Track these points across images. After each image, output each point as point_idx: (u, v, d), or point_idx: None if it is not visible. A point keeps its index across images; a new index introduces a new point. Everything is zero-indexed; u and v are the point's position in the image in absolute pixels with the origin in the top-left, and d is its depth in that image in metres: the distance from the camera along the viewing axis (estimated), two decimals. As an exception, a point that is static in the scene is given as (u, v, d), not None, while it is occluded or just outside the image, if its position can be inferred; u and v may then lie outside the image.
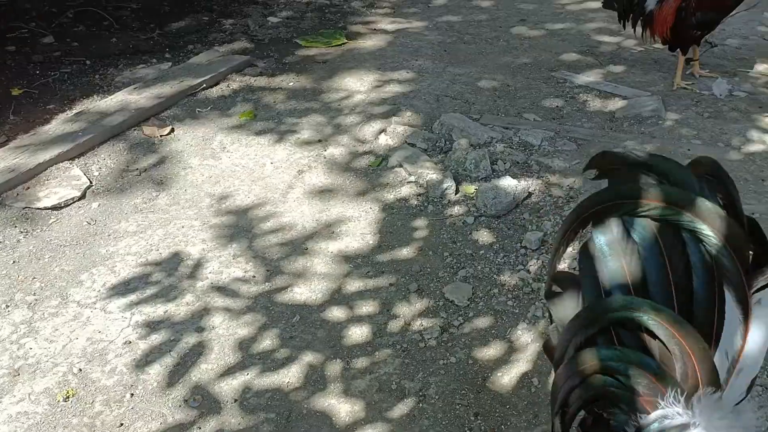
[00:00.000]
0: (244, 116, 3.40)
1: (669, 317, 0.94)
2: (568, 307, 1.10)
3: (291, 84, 3.77)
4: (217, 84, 3.71)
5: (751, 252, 0.98)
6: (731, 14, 3.41)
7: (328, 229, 2.60)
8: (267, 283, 2.33)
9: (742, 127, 3.15)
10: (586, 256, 1.07)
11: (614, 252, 1.03)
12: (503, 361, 2.01)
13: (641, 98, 3.45)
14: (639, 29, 3.58)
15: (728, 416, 0.92)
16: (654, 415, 0.94)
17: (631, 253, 1.02)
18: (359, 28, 4.56)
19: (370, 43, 4.34)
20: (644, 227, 1.02)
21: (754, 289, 0.95)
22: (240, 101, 3.56)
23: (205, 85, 3.65)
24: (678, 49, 3.54)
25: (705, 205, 0.96)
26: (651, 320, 0.94)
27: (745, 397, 0.97)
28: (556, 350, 1.09)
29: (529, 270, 2.34)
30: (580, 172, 2.87)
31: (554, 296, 1.14)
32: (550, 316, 1.15)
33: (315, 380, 1.98)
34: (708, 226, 0.96)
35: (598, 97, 3.56)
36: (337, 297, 2.28)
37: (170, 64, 3.95)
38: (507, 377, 1.95)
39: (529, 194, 2.75)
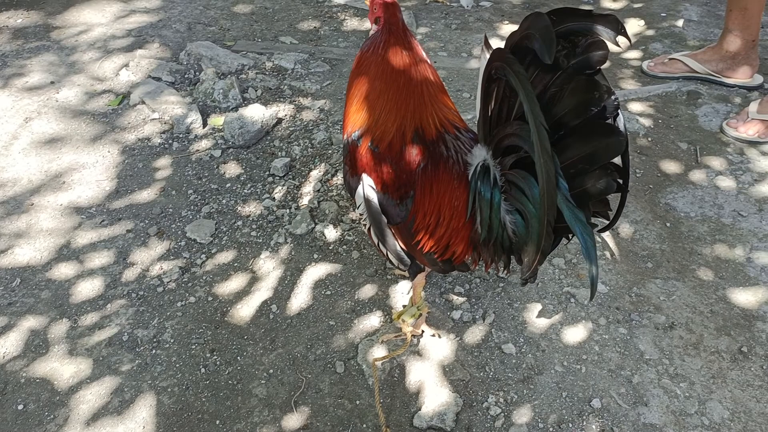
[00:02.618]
0: (-42, 61, 2.95)
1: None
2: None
3: (19, 21, 3.33)
4: None
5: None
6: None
7: (58, 180, 2.37)
8: (-19, 249, 2.09)
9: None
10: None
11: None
12: (244, 292, 1.98)
13: (395, 14, 3.47)
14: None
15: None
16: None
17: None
18: (102, -48, 4.11)
19: (115, -31, 3.93)
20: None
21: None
22: (-47, 44, 3.09)
23: None
24: (426, -38, 3.61)
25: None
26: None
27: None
28: None
29: (274, 197, 2.30)
30: (332, 93, 2.86)
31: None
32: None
33: (37, 346, 1.82)
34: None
35: (355, 15, 3.54)
36: (66, 252, 2.10)
37: None
38: (246, 308, 1.93)
39: (279, 120, 2.69)
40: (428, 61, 1.60)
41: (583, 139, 1.27)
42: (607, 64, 2.99)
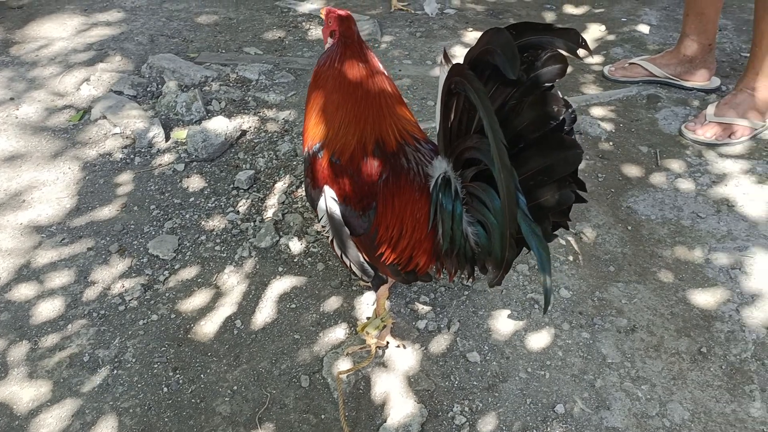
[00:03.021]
0: None
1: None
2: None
3: (-24, 36, 3.27)
4: None
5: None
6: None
7: (17, 199, 2.33)
8: (-63, 272, 2.04)
9: (449, 44, 3.32)
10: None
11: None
12: (208, 308, 1.96)
13: (359, 22, 3.48)
14: (350, -48, 3.59)
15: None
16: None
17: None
18: (62, -35, 4.06)
19: (76, -19, 3.89)
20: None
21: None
22: None
23: None
24: (389, -29, 3.63)
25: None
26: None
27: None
28: None
29: (238, 211, 2.29)
30: (297, 103, 2.85)
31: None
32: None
33: (-5, 370, 1.79)
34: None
35: (320, 24, 3.54)
36: (26, 273, 2.06)
37: None
38: (210, 325, 1.91)
39: (244, 132, 2.68)
40: (385, 72, 1.61)
41: (542, 151, 1.29)
42: (569, 70, 3.03)
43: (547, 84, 1.27)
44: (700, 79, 2.86)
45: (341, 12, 1.61)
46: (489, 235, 1.41)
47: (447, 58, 1.48)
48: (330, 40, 1.61)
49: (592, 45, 3.34)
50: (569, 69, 1.26)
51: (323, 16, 1.64)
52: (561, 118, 1.27)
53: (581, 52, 1.25)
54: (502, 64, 1.20)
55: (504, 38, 1.20)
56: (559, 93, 1.27)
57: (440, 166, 1.51)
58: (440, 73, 1.38)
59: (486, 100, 1.19)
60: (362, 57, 1.58)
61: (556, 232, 1.40)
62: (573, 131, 1.30)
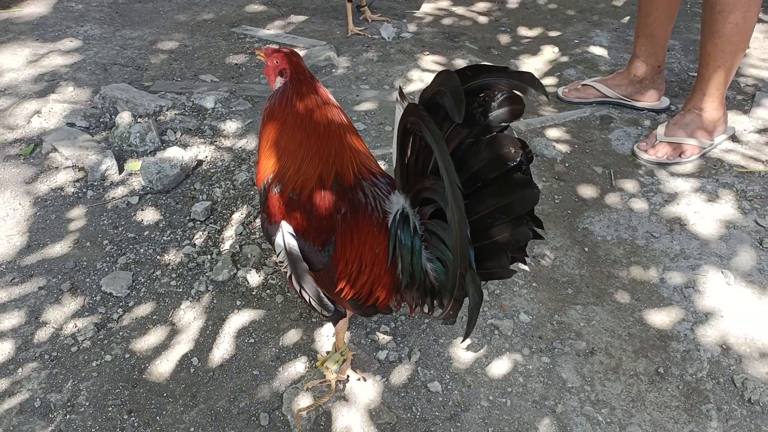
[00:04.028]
0: None
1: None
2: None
3: None
4: None
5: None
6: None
7: (-36, 238, 2.26)
8: None
9: (405, 68, 3.34)
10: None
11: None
12: (164, 346, 1.92)
13: (316, 48, 3.49)
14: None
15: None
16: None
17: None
18: (12, -7, 4.00)
19: (28, 10, 3.83)
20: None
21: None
22: None
23: None
24: (345, -4, 3.65)
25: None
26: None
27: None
28: None
29: (194, 244, 2.25)
30: (254, 131, 2.83)
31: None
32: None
33: (-61, 421, 1.71)
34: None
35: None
36: (-28, 316, 1.99)
37: None
38: (166, 364, 1.87)
39: (200, 162, 2.65)
40: (338, 104, 1.61)
41: (499, 191, 1.29)
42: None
43: (502, 124, 1.28)
44: (650, 100, 2.93)
45: (284, 49, 1.61)
46: (447, 272, 1.41)
47: (402, 95, 1.49)
48: (280, 79, 1.61)
49: (546, 67, 3.40)
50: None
51: (263, 57, 1.64)
52: (518, 159, 1.27)
53: (541, 98, 1.27)
54: (450, 107, 1.21)
55: (454, 82, 1.21)
56: (514, 134, 1.28)
57: (398, 202, 1.50)
58: (396, 110, 1.39)
59: (442, 144, 1.19)
60: (317, 92, 1.58)
61: (513, 267, 1.41)
62: (530, 170, 1.31)
